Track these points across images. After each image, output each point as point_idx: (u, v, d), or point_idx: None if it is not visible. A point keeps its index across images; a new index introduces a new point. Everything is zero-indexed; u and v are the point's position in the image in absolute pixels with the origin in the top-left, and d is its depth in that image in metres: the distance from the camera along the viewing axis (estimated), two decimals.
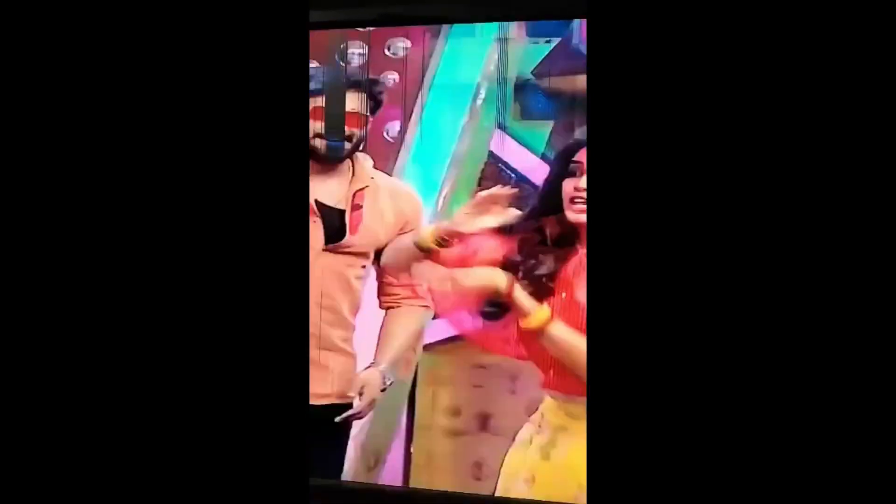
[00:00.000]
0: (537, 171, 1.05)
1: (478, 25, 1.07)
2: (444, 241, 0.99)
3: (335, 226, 1.11)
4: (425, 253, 1.01)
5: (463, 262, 0.99)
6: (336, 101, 1.05)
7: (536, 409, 1.05)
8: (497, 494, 1.01)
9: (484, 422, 1.08)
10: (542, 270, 0.97)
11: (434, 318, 1.10)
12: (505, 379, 1.07)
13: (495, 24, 1.06)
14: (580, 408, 0.95)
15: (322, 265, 1.10)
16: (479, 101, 1.08)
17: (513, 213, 0.97)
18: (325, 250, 1.11)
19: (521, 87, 1.06)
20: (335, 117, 1.05)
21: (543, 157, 1.05)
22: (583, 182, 0.92)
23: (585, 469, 0.67)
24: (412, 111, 1.10)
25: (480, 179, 1.08)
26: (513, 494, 0.99)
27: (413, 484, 1.09)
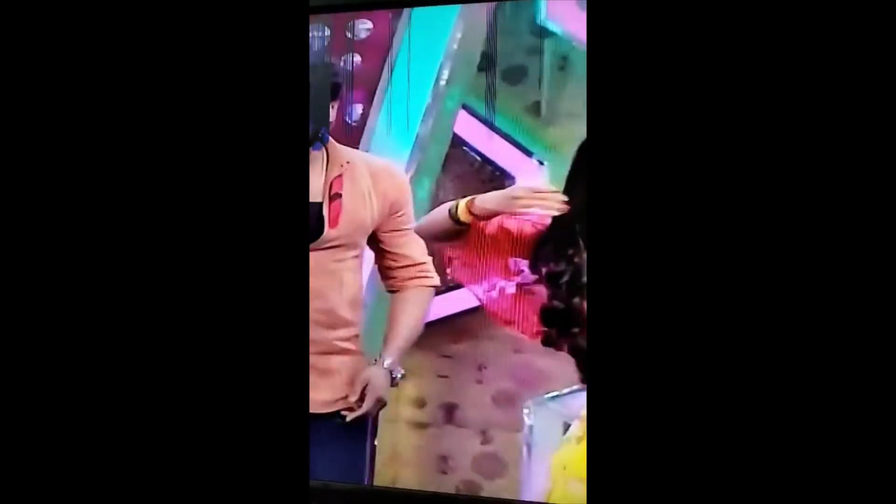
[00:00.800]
0: (502, 153, 1.03)
1: (440, 6, 1.05)
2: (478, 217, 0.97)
3: (313, 221, 1.04)
4: (460, 226, 0.98)
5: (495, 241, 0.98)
6: None
7: (505, 399, 1.03)
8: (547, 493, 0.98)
9: (450, 413, 1.05)
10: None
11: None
12: (472, 369, 1.04)
13: (457, 6, 1.04)
14: None
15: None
16: (443, 83, 1.05)
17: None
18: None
19: (488, 64, 1.04)
20: None
21: (508, 138, 1.03)
22: None
23: None
24: (374, 94, 1.07)
25: (445, 163, 1.05)
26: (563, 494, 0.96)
27: (378, 479, 1.06)
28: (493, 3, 1.03)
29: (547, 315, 0.97)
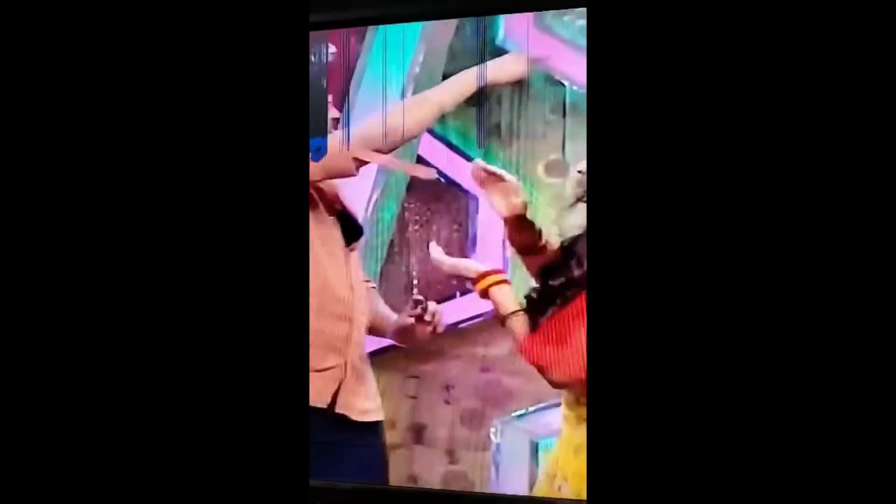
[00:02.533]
0: (466, 174, 1.04)
1: (403, 26, 1.06)
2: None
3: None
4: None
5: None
6: None
7: (472, 418, 1.04)
8: None
9: (419, 434, 1.05)
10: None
11: None
12: (439, 388, 1.04)
13: (419, 24, 1.05)
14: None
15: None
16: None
17: None
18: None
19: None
20: None
21: (470, 160, 1.04)
22: None
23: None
24: (339, 116, 1.08)
25: (409, 185, 1.06)
26: None
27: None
28: (454, 25, 1.05)
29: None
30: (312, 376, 1.02)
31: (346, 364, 1.07)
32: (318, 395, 1.05)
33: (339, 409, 1.06)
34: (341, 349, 1.07)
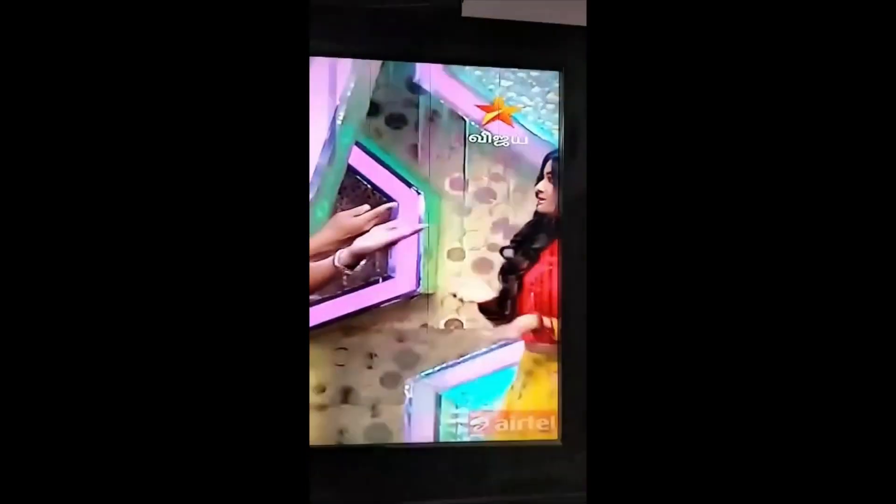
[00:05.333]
0: (388, 183, 1.27)
1: (340, 60, 1.25)
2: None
3: None
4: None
5: None
6: None
7: (390, 379, 1.26)
8: None
9: (345, 395, 1.25)
10: None
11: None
12: (363, 357, 1.25)
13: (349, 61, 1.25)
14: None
15: None
16: (339, 122, 1.25)
17: None
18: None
19: (375, 110, 1.27)
20: None
21: (392, 171, 1.27)
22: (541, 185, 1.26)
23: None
24: None
25: (341, 188, 1.26)
26: None
27: None
28: (379, 62, 1.27)
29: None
30: None
31: None
32: None
33: None
34: None
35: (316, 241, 1.22)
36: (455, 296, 1.27)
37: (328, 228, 1.23)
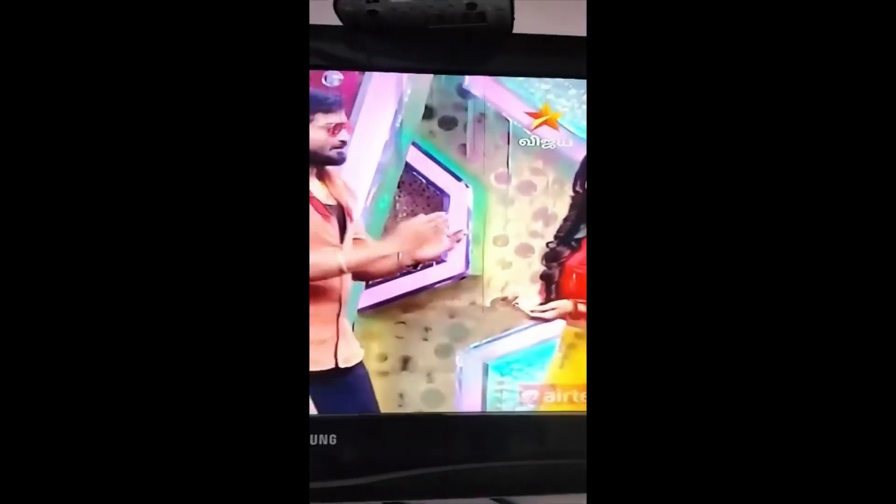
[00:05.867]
0: (441, 178, 1.44)
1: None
2: None
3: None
4: None
5: None
6: None
7: (443, 350, 1.43)
8: None
9: (404, 363, 1.43)
10: None
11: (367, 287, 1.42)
12: (419, 330, 1.42)
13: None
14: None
15: None
16: (398, 125, 1.43)
17: None
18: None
19: (429, 114, 1.44)
20: None
21: (444, 167, 1.44)
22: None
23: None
24: (351, 129, 1.40)
25: (400, 183, 1.43)
26: None
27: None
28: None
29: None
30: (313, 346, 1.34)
31: (336, 331, 1.41)
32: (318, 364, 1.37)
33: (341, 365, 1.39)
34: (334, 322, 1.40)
35: (382, 246, 1.40)
36: (508, 298, 1.43)
37: (399, 235, 1.39)
